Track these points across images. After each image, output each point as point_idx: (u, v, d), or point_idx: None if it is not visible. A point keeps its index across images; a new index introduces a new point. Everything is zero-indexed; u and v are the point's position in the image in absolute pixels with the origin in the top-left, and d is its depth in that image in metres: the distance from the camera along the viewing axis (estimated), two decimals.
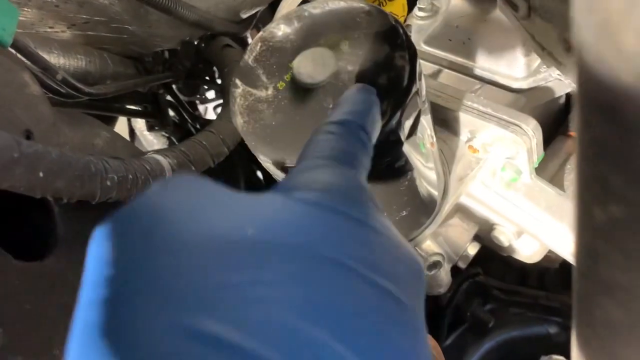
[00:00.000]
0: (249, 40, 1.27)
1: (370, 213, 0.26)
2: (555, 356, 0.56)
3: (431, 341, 0.67)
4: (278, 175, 0.55)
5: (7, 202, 0.50)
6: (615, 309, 0.21)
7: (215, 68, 1.09)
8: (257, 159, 0.55)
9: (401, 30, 0.53)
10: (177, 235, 0.22)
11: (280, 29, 0.57)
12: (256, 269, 0.21)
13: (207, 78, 1.08)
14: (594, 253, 0.21)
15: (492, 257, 0.85)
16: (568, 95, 0.79)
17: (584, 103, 0.19)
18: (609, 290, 0.21)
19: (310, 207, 0.25)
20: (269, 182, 1.16)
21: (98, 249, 0.23)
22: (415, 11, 0.79)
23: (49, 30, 0.82)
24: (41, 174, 0.47)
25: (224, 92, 0.91)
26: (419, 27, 0.78)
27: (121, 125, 1.22)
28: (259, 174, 1.25)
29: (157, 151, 0.68)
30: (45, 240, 0.54)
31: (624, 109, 0.16)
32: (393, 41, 0.52)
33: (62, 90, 0.67)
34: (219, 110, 1.44)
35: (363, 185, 0.29)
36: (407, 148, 0.54)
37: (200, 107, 1.45)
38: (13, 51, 0.59)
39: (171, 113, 1.13)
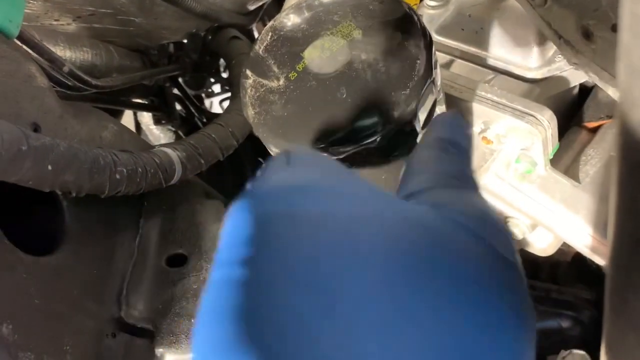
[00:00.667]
0: (255, 33, 1.26)
1: (512, 252, 0.24)
2: (575, 350, 0.54)
3: None
4: None
5: (16, 197, 0.49)
6: None
7: (221, 61, 1.08)
8: (264, 151, 0.54)
9: (416, 18, 0.52)
10: (322, 223, 0.22)
11: (290, 18, 0.56)
12: (426, 285, 0.20)
13: (214, 71, 1.07)
14: (636, 238, 0.20)
15: None
16: (581, 86, 0.78)
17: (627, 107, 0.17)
18: None
19: (462, 231, 0.23)
20: None
21: (239, 224, 0.22)
22: (426, 0, 0.77)
23: (54, 22, 0.81)
24: (49, 167, 0.46)
25: (231, 85, 0.90)
26: (430, 16, 0.77)
27: (127, 119, 1.21)
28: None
29: (166, 144, 0.67)
30: (53, 235, 0.53)
31: None
32: (407, 29, 0.51)
33: (68, 82, 0.66)
34: (224, 104, 1.43)
35: (498, 218, 0.27)
36: (421, 139, 0.53)
37: (206, 101, 1.43)
38: (19, 43, 0.58)
39: (178, 107, 1.12)
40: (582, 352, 0.54)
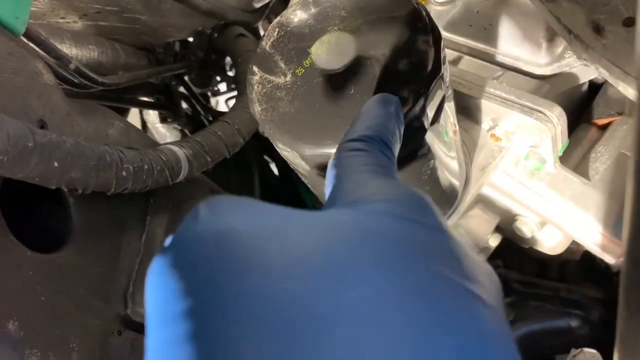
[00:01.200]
0: (261, 31, 1.26)
1: (441, 219, 0.25)
2: (587, 349, 0.54)
3: None
4: (297, 164, 0.54)
5: (22, 194, 0.49)
6: None
7: (227, 59, 1.08)
8: (269, 152, 0.54)
9: (424, 13, 0.51)
10: (257, 258, 0.20)
11: (297, 14, 0.55)
12: (362, 286, 0.19)
13: (220, 69, 1.07)
14: None
15: (511, 248, 0.83)
16: (591, 82, 0.77)
17: None
18: None
19: (387, 218, 0.24)
20: (283, 175, 1.15)
21: (165, 279, 0.20)
22: None
23: (60, 20, 0.81)
24: (56, 164, 0.46)
25: (237, 83, 0.90)
26: (438, 13, 0.76)
27: (133, 118, 1.22)
28: (273, 167, 1.24)
29: (173, 142, 0.67)
30: (59, 232, 0.53)
31: None
32: (415, 24, 0.51)
33: (75, 80, 0.66)
34: (230, 102, 1.42)
35: (419, 192, 0.28)
36: (429, 136, 0.53)
37: (212, 100, 1.43)
38: (26, 40, 0.58)
39: (184, 105, 1.12)
40: (593, 350, 0.53)
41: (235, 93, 1.33)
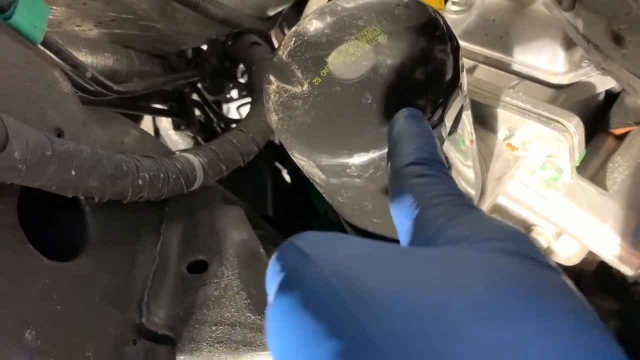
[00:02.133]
0: (273, 39, 1.26)
1: (544, 254, 0.26)
2: None
3: None
4: (313, 173, 0.53)
5: (39, 202, 0.49)
6: None
7: (240, 66, 1.08)
8: (281, 158, 0.54)
9: (442, 22, 0.51)
10: (392, 297, 0.20)
11: (314, 23, 0.55)
12: (518, 324, 0.20)
13: (233, 77, 1.07)
14: None
15: None
16: (607, 92, 0.76)
17: None
18: None
19: (511, 256, 0.24)
20: (295, 182, 1.14)
21: (299, 321, 0.20)
22: (449, 5, 0.77)
23: (76, 28, 0.81)
24: (73, 173, 0.46)
25: (252, 91, 0.90)
26: (453, 21, 0.76)
27: (146, 125, 1.22)
28: (284, 172, 1.24)
29: (188, 150, 0.67)
30: (76, 241, 0.53)
31: None
32: (433, 33, 0.50)
33: (91, 88, 0.66)
34: (242, 110, 1.43)
35: (516, 227, 0.29)
36: (446, 145, 0.52)
37: (224, 107, 1.44)
38: (43, 49, 0.58)
39: (197, 112, 1.13)
40: None
41: (247, 100, 1.33)
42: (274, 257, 0.24)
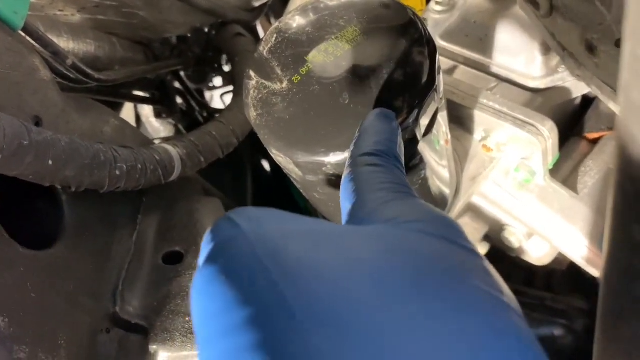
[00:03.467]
0: (259, 29, 1.26)
1: (469, 239, 0.26)
2: None
3: None
4: (290, 170, 0.54)
5: (15, 190, 0.49)
6: None
7: (224, 56, 1.08)
8: (263, 149, 0.54)
9: (420, 25, 0.52)
10: (314, 266, 0.21)
11: (296, 20, 0.56)
12: (416, 302, 0.20)
13: (216, 66, 1.07)
14: (630, 271, 0.20)
15: (499, 257, 0.84)
16: (584, 96, 0.78)
17: (629, 119, 0.18)
18: None
19: (427, 237, 0.25)
20: (276, 175, 1.15)
21: (218, 289, 0.20)
22: (432, 5, 0.77)
23: (58, 13, 0.81)
24: (50, 162, 0.46)
25: (234, 82, 0.90)
26: (435, 21, 0.77)
27: (127, 112, 1.21)
28: (265, 164, 1.24)
29: (167, 140, 0.67)
30: (52, 229, 0.53)
31: None
32: (412, 36, 0.51)
33: (71, 75, 0.66)
34: (225, 98, 1.42)
35: (446, 214, 0.30)
36: (421, 145, 0.53)
37: (207, 94, 1.43)
38: (24, 35, 0.58)
39: (179, 100, 1.12)
40: None
41: (230, 88, 1.33)
42: (208, 230, 0.24)
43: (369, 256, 0.22)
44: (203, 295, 0.21)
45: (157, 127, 1.20)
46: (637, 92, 0.17)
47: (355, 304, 0.19)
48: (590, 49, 0.54)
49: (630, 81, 0.18)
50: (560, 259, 0.85)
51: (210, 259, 0.22)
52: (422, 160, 0.55)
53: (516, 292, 0.92)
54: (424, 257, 0.23)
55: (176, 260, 0.59)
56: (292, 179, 0.58)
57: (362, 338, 0.18)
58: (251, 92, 0.53)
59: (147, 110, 1.18)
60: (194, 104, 1.11)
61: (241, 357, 0.18)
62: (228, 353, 0.18)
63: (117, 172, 0.54)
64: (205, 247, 0.23)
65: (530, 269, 0.96)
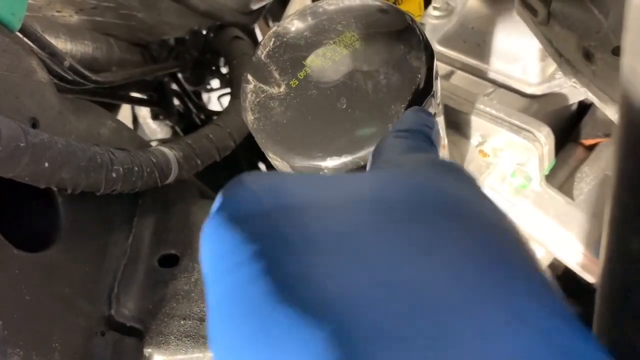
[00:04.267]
0: (257, 32, 1.26)
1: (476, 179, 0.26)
2: None
3: None
4: None
5: (10, 191, 0.49)
6: None
7: (222, 58, 1.08)
8: (259, 151, 0.54)
9: (418, 30, 0.52)
10: (312, 206, 0.22)
11: (294, 24, 0.56)
12: (411, 224, 0.21)
13: (214, 68, 1.07)
14: (627, 283, 0.20)
15: None
16: (580, 102, 0.78)
17: (629, 132, 0.18)
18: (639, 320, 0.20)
19: (437, 174, 0.25)
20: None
21: (225, 232, 0.21)
22: (430, 10, 0.77)
23: (56, 14, 0.81)
24: (46, 164, 0.46)
25: (231, 84, 0.90)
26: (433, 26, 0.77)
27: (124, 112, 1.21)
28: (262, 165, 1.24)
29: (164, 143, 0.67)
30: (48, 231, 0.53)
31: None
32: (409, 41, 0.51)
33: (68, 77, 0.66)
34: (222, 100, 1.42)
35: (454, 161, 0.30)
36: None
37: (204, 96, 1.43)
38: (21, 36, 0.58)
39: (176, 102, 1.12)
40: None
41: (228, 90, 1.33)
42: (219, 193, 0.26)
43: (369, 189, 0.23)
44: (212, 240, 0.22)
45: (154, 129, 1.20)
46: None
47: (347, 227, 0.20)
48: (587, 56, 0.54)
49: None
50: (555, 264, 0.85)
51: (218, 209, 0.23)
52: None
53: None
54: (428, 191, 0.23)
55: (172, 262, 0.59)
56: None
57: (347, 257, 0.19)
58: (249, 95, 0.53)
59: (144, 112, 1.18)
60: (191, 105, 1.11)
61: (248, 287, 0.19)
62: (236, 285, 0.19)
63: (114, 175, 0.53)
64: (217, 202, 0.24)
65: None
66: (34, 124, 0.52)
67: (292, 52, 0.54)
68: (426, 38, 0.52)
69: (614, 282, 0.21)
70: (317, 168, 0.49)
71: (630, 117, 0.18)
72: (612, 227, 0.20)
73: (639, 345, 0.21)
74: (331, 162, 0.49)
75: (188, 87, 1.12)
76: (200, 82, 1.19)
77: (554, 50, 0.57)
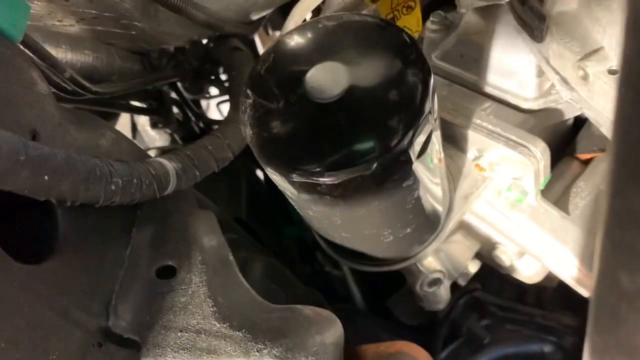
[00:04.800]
0: (257, 41, 1.27)
1: None
2: None
3: (425, 354, 0.66)
4: (285, 188, 0.54)
5: (9, 203, 0.49)
6: None
7: (221, 67, 1.09)
8: (258, 162, 0.55)
9: (415, 47, 0.53)
10: None
11: (294, 39, 0.56)
12: None
13: (213, 78, 1.07)
14: (616, 315, 0.20)
15: (490, 272, 0.85)
16: (576, 117, 0.79)
17: (619, 170, 0.18)
18: (628, 352, 0.21)
19: None
20: (271, 188, 1.15)
21: None
22: (428, 24, 0.78)
23: (57, 23, 0.81)
24: (46, 177, 0.46)
25: (230, 94, 0.90)
26: (431, 40, 0.78)
27: (123, 121, 1.22)
28: (260, 175, 1.25)
29: (162, 153, 0.68)
30: (46, 242, 0.53)
31: None
32: (407, 58, 0.52)
33: (68, 87, 0.66)
34: (222, 107, 1.43)
35: None
36: (415, 165, 0.54)
37: (203, 103, 1.44)
38: (22, 48, 0.58)
39: (175, 110, 1.13)
40: None
41: (226, 97, 1.33)
42: None
43: None
44: None
45: (153, 136, 1.20)
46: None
47: None
48: (584, 75, 0.54)
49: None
50: (550, 277, 0.85)
51: None
52: (415, 180, 0.55)
53: (507, 309, 0.93)
54: None
55: (169, 274, 0.59)
56: (287, 196, 0.58)
57: None
58: (248, 110, 0.54)
59: (143, 120, 1.18)
60: (190, 114, 1.12)
61: None
62: None
63: (113, 187, 0.54)
64: None
65: (521, 285, 0.97)
66: (34, 136, 0.53)
67: (291, 67, 0.54)
68: (423, 55, 0.52)
69: (601, 311, 0.22)
70: (315, 183, 0.50)
71: (621, 156, 0.18)
72: (602, 259, 0.21)
73: None
74: (328, 178, 0.49)
75: (187, 96, 1.13)
76: (200, 91, 1.19)
77: (551, 67, 0.58)
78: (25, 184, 0.45)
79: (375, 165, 0.48)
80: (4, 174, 0.43)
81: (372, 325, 0.98)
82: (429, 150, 0.56)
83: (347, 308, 1.06)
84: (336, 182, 0.49)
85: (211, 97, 1.39)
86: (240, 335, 0.54)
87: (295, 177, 0.50)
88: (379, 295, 1.02)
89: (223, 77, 1.17)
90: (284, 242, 1.12)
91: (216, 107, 1.45)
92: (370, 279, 1.05)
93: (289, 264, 0.87)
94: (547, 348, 0.92)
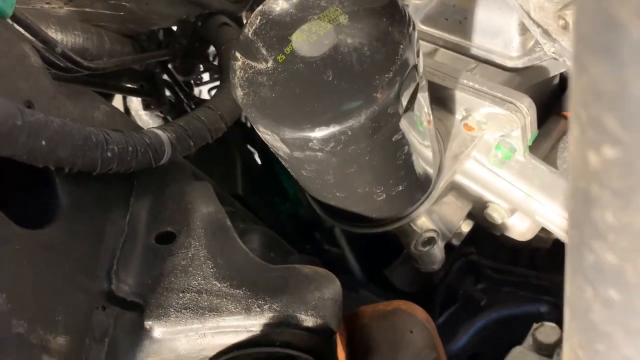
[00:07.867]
0: (245, 21, 1.27)
1: None
2: (547, 323, 0.57)
3: (425, 316, 0.68)
4: (277, 147, 0.56)
5: (10, 171, 0.50)
6: (607, 252, 0.22)
7: (211, 49, 1.10)
8: (252, 140, 0.56)
9: (400, 5, 0.54)
10: None
11: (279, 2, 0.58)
12: None
13: (203, 58, 1.08)
14: (587, 198, 0.22)
15: (484, 236, 0.86)
16: (562, 76, 0.80)
17: (580, 46, 0.20)
18: (601, 234, 0.22)
19: None
20: (265, 165, 1.17)
21: None
22: None
23: (46, 5, 0.82)
24: (43, 143, 0.48)
25: (221, 70, 0.91)
26: (416, 6, 0.79)
27: (116, 103, 1.22)
28: (256, 155, 1.26)
29: (156, 126, 0.69)
30: (47, 209, 0.54)
31: (619, 47, 0.17)
32: (392, 16, 0.53)
33: (61, 64, 0.67)
34: (213, 92, 1.44)
35: None
36: (404, 124, 0.55)
37: (195, 90, 1.44)
38: (12, 23, 0.59)
39: (167, 92, 1.14)
40: (553, 324, 0.57)
41: (218, 83, 1.34)
42: None
43: None
44: None
45: (146, 120, 1.21)
46: None
47: None
48: (564, 25, 0.56)
49: None
50: (543, 238, 0.87)
51: None
52: (404, 136, 0.57)
53: (502, 271, 0.94)
54: None
55: (169, 240, 0.61)
56: (280, 157, 0.60)
57: None
58: (237, 72, 0.55)
59: (135, 103, 1.19)
60: (182, 95, 1.13)
61: None
62: None
63: (109, 154, 0.55)
64: None
65: (515, 248, 0.99)
66: (29, 107, 0.54)
67: (278, 29, 0.55)
68: (408, 13, 0.54)
69: (575, 201, 0.23)
70: (307, 139, 0.51)
71: (582, 29, 0.19)
72: (573, 145, 0.22)
73: (590, 261, 0.23)
74: (320, 133, 0.51)
75: (179, 77, 1.14)
76: (191, 72, 1.20)
77: (532, 21, 0.59)
78: (23, 149, 0.47)
79: (364, 117, 0.50)
80: (1, 138, 0.44)
81: (371, 296, 1.00)
82: (417, 112, 0.57)
83: (347, 279, 1.08)
84: (327, 137, 0.51)
85: (204, 82, 1.40)
86: (241, 293, 0.56)
87: (287, 134, 0.52)
88: (377, 268, 1.03)
89: (214, 62, 1.18)
90: (279, 217, 1.13)
91: (207, 93, 1.46)
92: (368, 252, 1.06)
93: (287, 240, 0.88)
94: (543, 308, 0.94)
